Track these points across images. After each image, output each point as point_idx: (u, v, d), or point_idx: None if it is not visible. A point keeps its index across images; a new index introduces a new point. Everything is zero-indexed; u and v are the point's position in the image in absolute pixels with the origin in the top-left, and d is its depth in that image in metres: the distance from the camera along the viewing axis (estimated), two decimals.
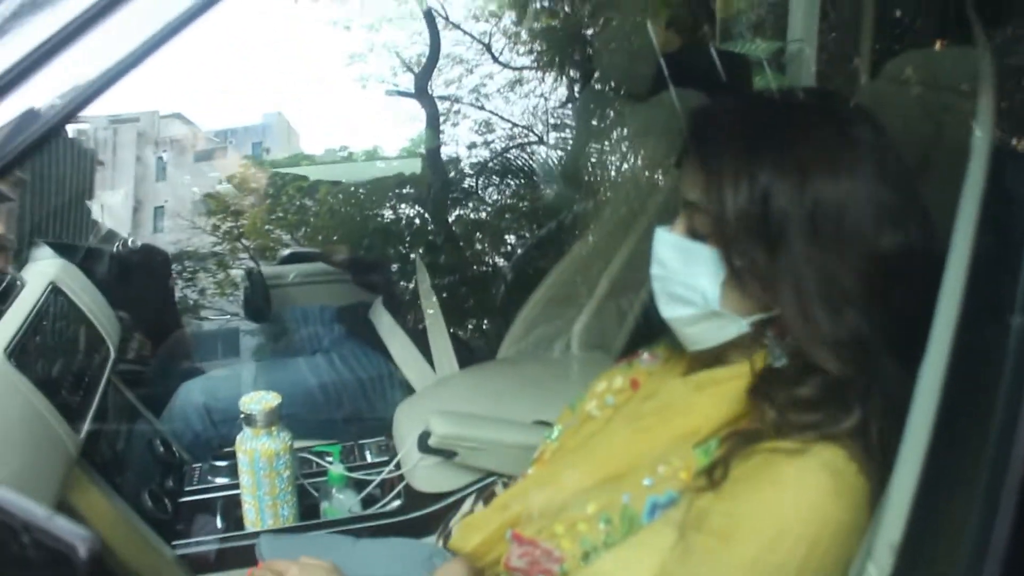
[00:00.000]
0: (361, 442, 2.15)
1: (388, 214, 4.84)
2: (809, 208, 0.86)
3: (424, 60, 5.27)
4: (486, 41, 5.58)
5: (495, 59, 5.56)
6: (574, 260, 2.31)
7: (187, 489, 1.96)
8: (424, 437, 1.77)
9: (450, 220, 4.69)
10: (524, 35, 5.46)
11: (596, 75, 2.74)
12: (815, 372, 0.88)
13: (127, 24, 0.74)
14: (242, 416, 1.73)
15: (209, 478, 2.00)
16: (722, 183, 0.89)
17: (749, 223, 0.88)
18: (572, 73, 5.02)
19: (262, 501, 1.77)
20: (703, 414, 0.94)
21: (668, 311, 0.98)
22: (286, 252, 2.72)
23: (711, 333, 0.96)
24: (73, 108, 0.75)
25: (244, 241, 5.20)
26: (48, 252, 1.81)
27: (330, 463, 2.00)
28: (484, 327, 3.93)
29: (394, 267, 2.56)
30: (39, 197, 2.55)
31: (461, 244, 4.61)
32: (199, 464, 2.05)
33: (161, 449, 1.97)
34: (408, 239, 4.64)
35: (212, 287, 4.99)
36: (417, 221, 4.79)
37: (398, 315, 2.41)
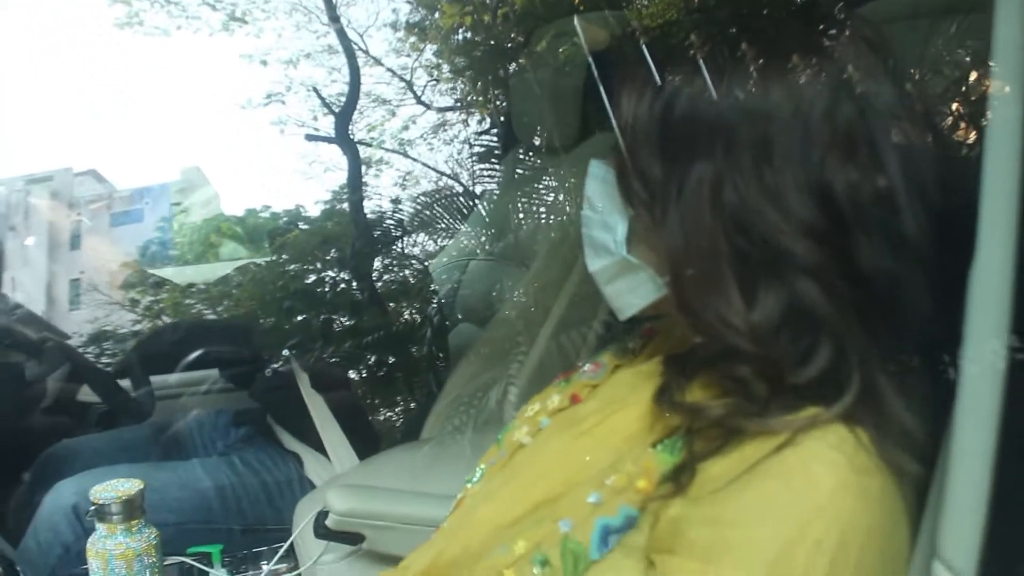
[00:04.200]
0: (256, 550, 1.86)
1: (311, 277, 4.62)
2: (717, 113, 0.68)
3: (344, 100, 5.03)
4: (407, 78, 5.38)
5: (417, 99, 5.36)
6: (511, 312, 2.12)
7: None
8: (321, 518, 1.51)
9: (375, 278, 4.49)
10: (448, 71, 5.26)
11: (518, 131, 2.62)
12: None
13: None
14: (92, 509, 1.37)
15: None
16: (630, 91, 0.73)
17: (647, 131, 0.71)
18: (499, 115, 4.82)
19: None
20: None
21: (591, 263, 0.81)
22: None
23: (629, 293, 0.78)
24: None
25: (165, 317, 4.91)
26: None
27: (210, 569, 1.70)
28: (416, 395, 3.74)
29: (269, 369, 2.27)
30: None
31: (389, 304, 4.42)
32: None
33: None
34: (330, 300, 4.42)
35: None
36: (341, 282, 4.58)
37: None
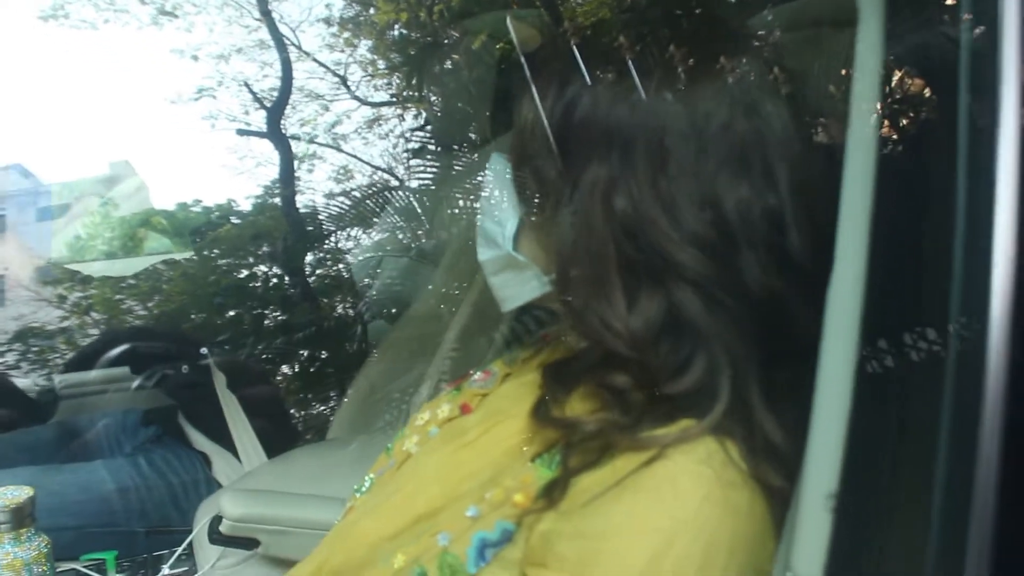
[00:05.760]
0: (157, 553, 1.81)
1: (243, 272, 4.55)
2: (616, 118, 0.67)
3: (276, 95, 4.98)
4: (341, 73, 5.32)
5: (352, 94, 5.32)
6: (430, 307, 2.10)
7: None
8: (215, 523, 1.47)
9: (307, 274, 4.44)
10: (382, 66, 5.22)
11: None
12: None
13: None
14: None
15: None
16: (532, 90, 0.73)
17: (545, 132, 0.71)
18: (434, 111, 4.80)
19: None
20: None
21: (480, 252, 0.81)
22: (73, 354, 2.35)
23: (514, 287, 0.78)
24: None
25: (94, 314, 4.78)
26: None
27: None
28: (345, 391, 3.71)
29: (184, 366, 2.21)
30: None
31: (322, 299, 4.38)
32: None
33: None
34: (262, 295, 4.37)
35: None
36: (272, 277, 4.53)
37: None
